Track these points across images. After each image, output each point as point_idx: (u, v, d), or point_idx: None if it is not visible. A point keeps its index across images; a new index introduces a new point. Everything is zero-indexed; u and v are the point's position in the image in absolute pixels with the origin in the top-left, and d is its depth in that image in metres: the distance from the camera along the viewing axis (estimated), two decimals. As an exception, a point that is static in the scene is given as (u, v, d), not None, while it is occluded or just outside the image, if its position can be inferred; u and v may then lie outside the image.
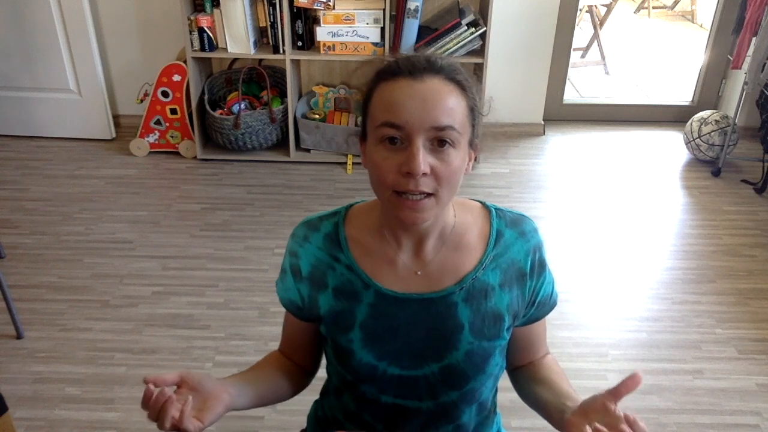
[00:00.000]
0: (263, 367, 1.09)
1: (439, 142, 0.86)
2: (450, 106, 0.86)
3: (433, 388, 1.02)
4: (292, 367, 1.11)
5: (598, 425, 0.80)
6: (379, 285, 0.98)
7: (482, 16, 3.01)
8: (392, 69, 0.88)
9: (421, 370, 1.00)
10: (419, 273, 0.98)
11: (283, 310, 1.09)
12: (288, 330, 1.11)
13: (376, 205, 1.01)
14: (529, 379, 1.09)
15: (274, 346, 1.15)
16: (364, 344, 1.00)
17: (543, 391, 1.04)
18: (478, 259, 0.99)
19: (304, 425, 1.25)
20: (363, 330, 0.99)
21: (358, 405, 1.07)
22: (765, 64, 2.90)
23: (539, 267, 1.02)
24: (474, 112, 0.90)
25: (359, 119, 0.94)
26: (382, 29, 2.96)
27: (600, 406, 0.83)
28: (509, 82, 3.46)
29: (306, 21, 2.99)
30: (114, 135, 3.38)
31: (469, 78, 0.90)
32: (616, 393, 0.82)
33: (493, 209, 1.03)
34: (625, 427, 0.79)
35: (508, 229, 1.01)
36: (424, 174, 0.85)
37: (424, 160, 0.84)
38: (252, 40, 2.98)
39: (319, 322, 1.03)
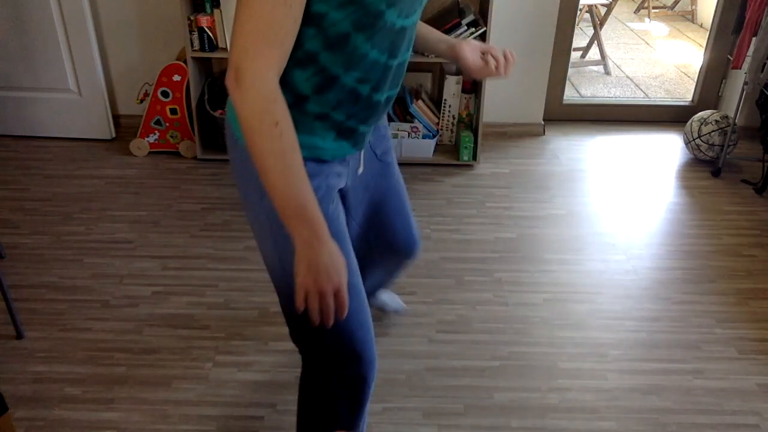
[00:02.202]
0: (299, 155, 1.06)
1: None
2: None
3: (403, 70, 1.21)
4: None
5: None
6: None
7: (482, 16, 3.01)
8: None
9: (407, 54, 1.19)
10: None
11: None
12: (286, 27, 0.99)
13: None
14: None
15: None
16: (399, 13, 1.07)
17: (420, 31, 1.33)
18: None
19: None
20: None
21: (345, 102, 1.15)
22: (765, 64, 2.91)
23: None
24: None
25: None
26: (382, 29, 2.95)
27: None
28: (509, 82, 3.46)
29: (306, 21, 2.99)
30: (114, 135, 3.38)
31: None
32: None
33: None
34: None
35: None
36: None
37: None
38: (252, 40, 2.98)
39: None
